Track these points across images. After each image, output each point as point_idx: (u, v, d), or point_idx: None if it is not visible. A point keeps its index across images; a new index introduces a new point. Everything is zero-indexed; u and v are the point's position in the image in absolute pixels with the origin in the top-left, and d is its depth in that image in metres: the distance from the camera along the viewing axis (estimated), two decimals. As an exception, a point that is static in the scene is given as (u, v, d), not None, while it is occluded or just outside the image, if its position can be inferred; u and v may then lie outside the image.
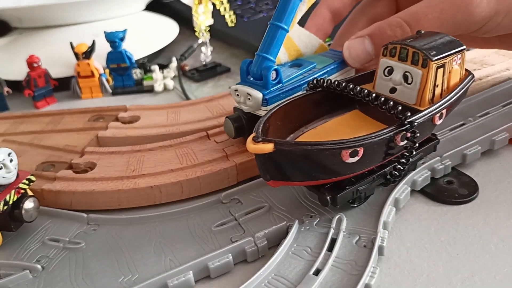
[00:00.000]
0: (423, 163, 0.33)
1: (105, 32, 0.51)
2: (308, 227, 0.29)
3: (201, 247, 0.28)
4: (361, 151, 0.26)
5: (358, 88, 0.29)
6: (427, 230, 0.29)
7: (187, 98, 0.50)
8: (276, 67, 0.32)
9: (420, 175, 0.32)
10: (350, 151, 0.25)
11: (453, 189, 0.32)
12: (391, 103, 0.27)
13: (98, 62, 0.52)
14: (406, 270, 0.26)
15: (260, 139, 0.25)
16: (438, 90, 0.30)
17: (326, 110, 0.32)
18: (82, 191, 0.33)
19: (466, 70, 0.32)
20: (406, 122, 0.27)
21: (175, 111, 0.43)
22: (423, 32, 0.32)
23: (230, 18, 0.52)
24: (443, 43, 0.30)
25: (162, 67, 0.56)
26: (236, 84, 0.34)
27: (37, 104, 0.51)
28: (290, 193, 0.32)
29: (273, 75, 0.32)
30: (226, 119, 0.35)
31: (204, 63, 0.56)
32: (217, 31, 0.61)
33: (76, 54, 0.51)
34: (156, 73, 0.53)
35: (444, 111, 0.30)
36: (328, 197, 0.28)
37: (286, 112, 0.30)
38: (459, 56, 0.31)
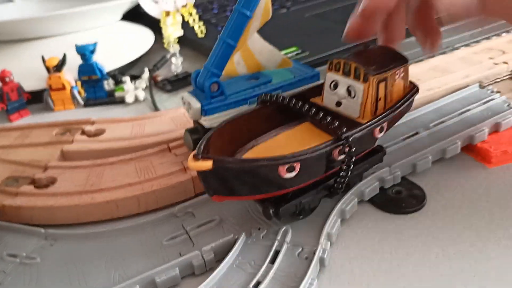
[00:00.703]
0: (372, 173, 0.33)
1: (76, 45, 0.52)
2: (254, 240, 0.30)
3: (150, 261, 0.29)
4: (297, 166, 0.27)
5: (300, 103, 0.30)
6: (371, 240, 0.30)
7: (157, 109, 0.51)
8: (217, 80, 0.33)
9: (368, 185, 0.33)
10: (286, 166, 0.26)
11: (400, 199, 0.33)
12: (329, 118, 0.28)
13: (70, 74, 0.53)
14: (347, 281, 0.27)
15: (200, 156, 0.25)
16: (381, 104, 0.31)
17: (279, 123, 0.33)
18: (41, 206, 0.34)
19: (410, 82, 0.33)
20: (342, 137, 0.28)
21: (140, 124, 0.44)
22: (370, 46, 0.33)
23: (199, 29, 0.53)
24: (386, 57, 0.31)
25: (135, 77, 0.57)
26: (187, 92, 0.35)
27: (11, 117, 0.52)
28: (241, 206, 0.33)
29: (214, 87, 0.33)
30: (185, 131, 0.36)
31: (175, 73, 0.57)
32: (190, 40, 0.62)
33: (47, 68, 0.51)
34: (127, 84, 0.54)
35: (385, 125, 0.31)
36: (271, 211, 0.28)
37: (235, 127, 0.31)
38: (402, 69, 0.32)
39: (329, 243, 0.29)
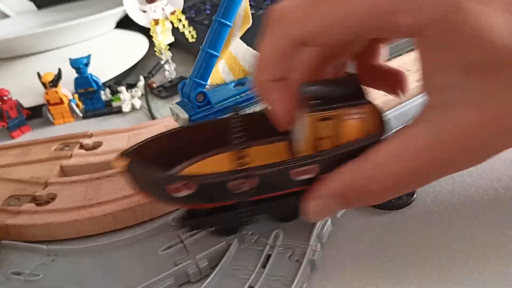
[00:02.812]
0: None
1: (70, 59, 0.53)
2: (247, 245, 0.30)
3: (147, 271, 0.30)
4: (192, 187, 0.26)
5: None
6: (363, 239, 0.31)
7: (153, 117, 0.51)
8: (202, 90, 0.34)
9: (358, 183, 0.33)
10: (174, 186, 0.26)
11: (390, 195, 0.33)
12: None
13: (66, 88, 0.54)
14: (338, 282, 0.28)
15: (123, 155, 0.27)
16: (326, 143, 0.28)
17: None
18: (42, 223, 0.35)
19: (381, 124, 0.28)
20: (245, 170, 0.26)
21: (136, 134, 0.45)
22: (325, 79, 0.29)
23: (190, 34, 0.54)
24: (339, 95, 0.27)
25: (131, 86, 0.57)
26: (174, 103, 0.36)
27: (12, 134, 0.53)
28: (234, 211, 0.34)
29: (200, 97, 0.34)
30: None
31: (169, 79, 0.58)
32: (182, 44, 0.62)
33: (43, 84, 0.52)
34: (123, 93, 0.55)
35: (310, 168, 0.26)
36: (183, 219, 0.29)
37: (176, 138, 0.31)
38: (357, 110, 0.27)
39: (319, 244, 0.29)
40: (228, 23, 0.34)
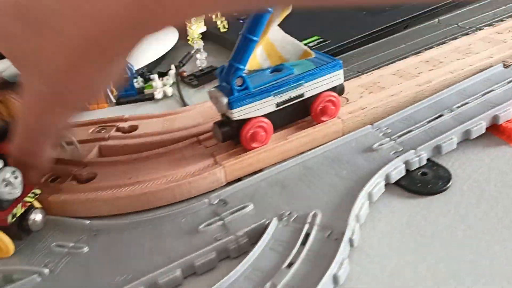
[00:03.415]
0: (397, 156, 0.34)
1: (105, 46, 0.54)
2: (285, 224, 0.31)
3: (189, 246, 0.31)
4: None
5: None
6: (399, 221, 0.31)
7: (185, 104, 0.52)
8: (241, 74, 0.35)
9: (394, 168, 0.34)
10: None
11: (426, 181, 0.34)
12: None
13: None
14: (376, 260, 0.29)
15: None
16: None
17: None
18: (84, 200, 0.36)
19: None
20: None
21: (171, 119, 0.46)
22: None
23: (222, 24, 0.54)
24: None
25: (162, 74, 0.59)
26: (213, 87, 0.37)
27: (48, 117, 0.55)
28: (272, 190, 0.34)
29: (238, 81, 0.35)
30: (214, 124, 0.38)
31: (200, 68, 0.59)
32: (213, 35, 0.63)
33: (79, 69, 0.54)
34: (156, 81, 0.56)
35: None
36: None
37: None
38: None
39: (358, 224, 0.30)
40: (269, 8, 0.35)
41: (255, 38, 0.34)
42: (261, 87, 0.36)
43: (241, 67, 0.35)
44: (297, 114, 0.39)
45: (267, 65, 0.39)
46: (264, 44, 0.38)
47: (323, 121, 0.39)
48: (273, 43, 0.38)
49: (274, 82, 0.37)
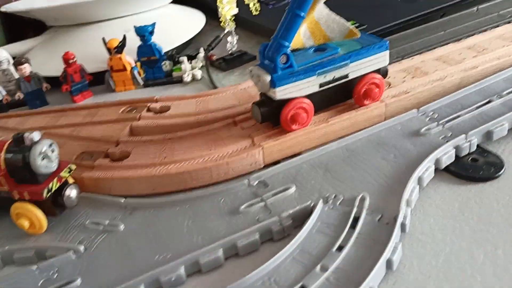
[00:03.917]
0: (447, 141, 0.33)
1: (134, 26, 0.53)
2: (332, 206, 0.30)
3: (230, 226, 0.30)
4: None
5: None
6: (450, 207, 0.30)
7: (215, 87, 0.51)
8: (286, 51, 0.33)
9: (444, 153, 0.32)
10: None
11: (478, 167, 0.32)
12: None
13: (129, 56, 0.54)
14: (429, 245, 0.27)
15: None
16: None
17: None
18: (119, 177, 0.35)
19: None
20: None
21: (203, 100, 0.44)
22: None
23: (254, 6, 0.53)
24: None
25: (190, 57, 0.57)
26: (255, 65, 0.35)
27: (75, 98, 0.54)
28: (315, 173, 0.33)
29: (283, 59, 0.34)
30: (253, 104, 0.37)
31: (230, 52, 0.57)
32: (243, 19, 0.62)
33: (108, 49, 0.53)
34: (185, 64, 0.55)
35: None
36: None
37: None
38: None
39: (409, 209, 0.28)
40: None
41: (302, 14, 0.33)
42: (306, 65, 0.35)
43: (286, 44, 0.34)
44: (340, 96, 0.38)
45: (310, 44, 0.37)
46: (309, 23, 0.37)
47: (366, 104, 0.37)
48: (318, 22, 0.37)
49: (319, 61, 0.35)
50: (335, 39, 0.37)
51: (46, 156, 0.30)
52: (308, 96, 0.36)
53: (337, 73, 0.36)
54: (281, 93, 0.34)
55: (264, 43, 0.36)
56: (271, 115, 0.36)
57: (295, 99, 0.35)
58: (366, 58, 0.36)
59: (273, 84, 0.34)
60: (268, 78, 0.34)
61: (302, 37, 0.37)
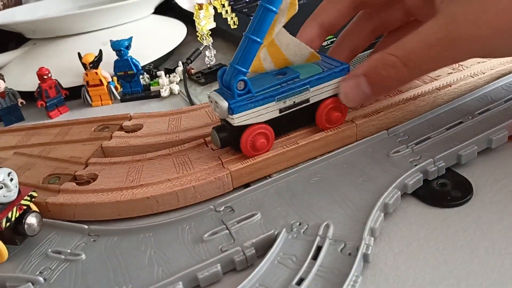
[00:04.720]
0: (415, 165, 0.32)
1: (110, 41, 0.52)
2: (295, 235, 0.29)
3: (192, 257, 0.29)
4: None
5: None
6: (416, 235, 0.29)
7: (191, 103, 0.51)
8: (243, 77, 0.33)
9: (412, 178, 0.32)
10: None
11: (445, 192, 0.32)
12: None
13: (106, 70, 0.54)
14: (392, 278, 0.27)
15: None
16: None
17: None
18: (83, 203, 0.34)
19: None
20: None
21: (176, 118, 0.44)
22: None
23: (232, 20, 0.53)
24: None
25: (169, 71, 0.57)
26: (213, 91, 0.35)
27: (50, 113, 0.53)
28: (281, 198, 0.32)
29: (240, 85, 0.33)
30: (212, 130, 0.36)
31: (208, 66, 0.57)
32: (223, 31, 0.61)
33: (83, 64, 0.52)
34: (162, 78, 0.54)
35: None
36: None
37: None
38: None
39: (372, 238, 0.28)
40: (274, 8, 0.32)
41: (259, 40, 0.32)
42: (264, 91, 0.34)
43: (244, 70, 0.33)
44: (302, 121, 0.37)
45: (271, 68, 0.36)
46: (269, 46, 0.35)
47: (329, 128, 0.37)
48: (278, 45, 0.36)
49: (278, 86, 0.35)
50: (296, 62, 0.37)
51: (4, 185, 0.30)
52: (268, 122, 0.35)
53: (297, 98, 0.35)
54: (239, 119, 0.34)
55: (223, 67, 0.35)
56: (231, 141, 0.35)
57: (254, 125, 0.34)
58: (327, 82, 0.36)
59: (231, 111, 0.33)
60: (225, 104, 0.33)
61: (262, 61, 0.36)
